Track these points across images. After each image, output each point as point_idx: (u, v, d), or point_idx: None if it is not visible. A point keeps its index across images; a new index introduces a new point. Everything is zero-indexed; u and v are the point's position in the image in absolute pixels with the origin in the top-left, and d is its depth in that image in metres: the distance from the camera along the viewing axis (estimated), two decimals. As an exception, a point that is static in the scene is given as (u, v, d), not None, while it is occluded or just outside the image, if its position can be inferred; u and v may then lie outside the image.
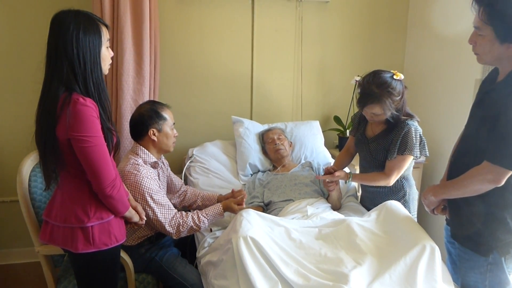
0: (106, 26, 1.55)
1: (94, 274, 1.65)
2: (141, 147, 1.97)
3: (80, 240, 1.53)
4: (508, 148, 1.40)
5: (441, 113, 2.86)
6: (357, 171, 2.47)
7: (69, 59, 1.43)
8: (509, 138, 1.39)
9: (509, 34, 1.38)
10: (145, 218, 1.80)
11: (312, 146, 2.80)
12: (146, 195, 1.86)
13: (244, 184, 2.59)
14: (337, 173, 2.14)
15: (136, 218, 1.72)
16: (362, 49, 3.14)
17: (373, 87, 1.92)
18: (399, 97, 1.95)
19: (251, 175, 2.67)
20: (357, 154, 2.32)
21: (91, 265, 1.62)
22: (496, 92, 1.48)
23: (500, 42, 1.40)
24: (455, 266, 1.77)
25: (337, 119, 3.10)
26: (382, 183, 2.05)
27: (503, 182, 1.44)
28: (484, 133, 1.48)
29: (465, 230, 1.62)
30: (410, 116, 2.04)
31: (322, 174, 2.26)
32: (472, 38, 1.49)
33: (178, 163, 2.86)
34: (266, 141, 2.68)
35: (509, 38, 1.38)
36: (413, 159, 2.04)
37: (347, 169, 2.49)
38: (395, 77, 1.94)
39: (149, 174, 1.92)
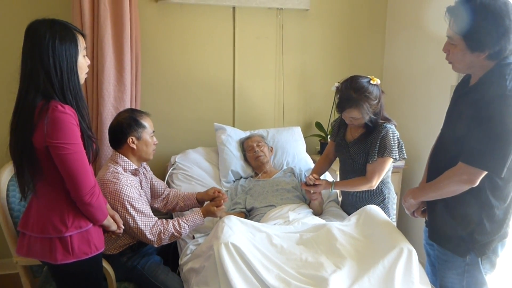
0: (82, 34, 1.55)
1: (76, 284, 1.63)
2: (120, 155, 1.96)
3: (58, 250, 1.51)
4: (481, 149, 1.44)
5: (419, 117, 2.93)
6: (338, 176, 2.50)
7: (45, 68, 1.42)
8: (481, 139, 1.44)
9: (478, 44, 1.44)
10: (123, 227, 1.79)
11: (294, 152, 2.83)
12: (126, 203, 1.85)
13: (227, 191, 2.60)
14: (318, 182, 2.19)
15: (114, 227, 1.71)
16: (342, 56, 3.19)
17: (351, 92, 1.98)
18: (376, 101, 2.01)
19: (234, 181, 2.68)
20: (337, 159, 2.36)
21: (72, 276, 1.60)
22: (468, 96, 1.54)
23: (471, 51, 1.46)
24: (434, 268, 1.80)
25: (318, 125, 3.14)
26: (364, 187, 2.09)
27: (477, 183, 1.48)
28: (458, 135, 1.53)
29: (442, 231, 1.66)
30: (388, 120, 2.10)
31: (304, 180, 2.29)
32: (445, 47, 1.56)
33: (161, 171, 2.85)
34: (246, 149, 2.70)
35: (479, 47, 1.45)
36: (392, 161, 2.09)
37: (329, 177, 2.53)
38: (372, 82, 2.01)
39: (129, 182, 1.91)
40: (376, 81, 2.02)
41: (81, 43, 1.52)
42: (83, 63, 1.54)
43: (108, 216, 1.66)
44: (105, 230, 1.71)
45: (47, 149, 1.43)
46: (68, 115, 1.42)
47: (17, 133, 1.46)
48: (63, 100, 1.46)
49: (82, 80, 1.55)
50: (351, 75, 2.06)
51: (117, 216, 1.76)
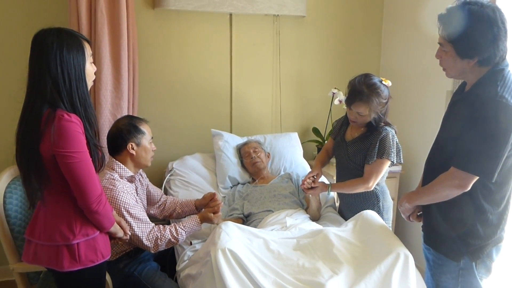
0: (88, 41, 1.56)
1: None
2: (117, 161, 1.97)
3: (65, 258, 1.51)
4: (472, 154, 1.46)
5: (416, 122, 2.95)
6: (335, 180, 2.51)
7: (53, 77, 1.43)
8: (473, 144, 1.45)
9: (467, 51, 1.46)
10: (129, 233, 1.79)
11: (291, 157, 2.84)
12: (122, 209, 1.85)
13: (224, 197, 2.61)
14: (314, 184, 2.20)
15: (120, 233, 1.71)
16: (338, 61, 3.21)
17: (364, 87, 2.02)
18: (385, 101, 2.06)
19: (231, 187, 2.69)
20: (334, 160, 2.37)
21: (77, 283, 1.60)
22: (462, 102, 1.56)
23: (461, 58, 1.48)
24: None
25: (315, 131, 3.15)
26: (361, 188, 2.10)
27: (469, 187, 1.49)
28: (452, 136, 1.55)
29: (437, 235, 1.66)
30: (389, 125, 2.13)
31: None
32: (438, 53, 1.58)
33: (158, 177, 2.86)
34: (243, 155, 2.71)
35: (468, 54, 1.47)
36: (390, 164, 2.11)
37: (326, 181, 2.54)
38: (383, 82, 2.06)
39: (126, 188, 1.92)
40: (388, 82, 2.08)
41: (88, 50, 1.53)
42: (90, 70, 1.55)
43: (115, 223, 1.67)
44: (112, 237, 1.71)
45: (54, 157, 1.44)
46: (74, 124, 1.43)
47: (23, 142, 1.47)
48: (70, 109, 1.47)
49: (89, 87, 1.56)
50: (365, 73, 2.11)
51: (123, 223, 1.76)
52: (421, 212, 1.77)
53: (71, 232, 1.51)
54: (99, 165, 1.59)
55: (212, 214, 2.02)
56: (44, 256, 1.54)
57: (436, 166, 1.64)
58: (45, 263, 1.56)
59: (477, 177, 1.47)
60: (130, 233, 1.85)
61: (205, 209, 2.10)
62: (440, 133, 1.70)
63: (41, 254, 1.54)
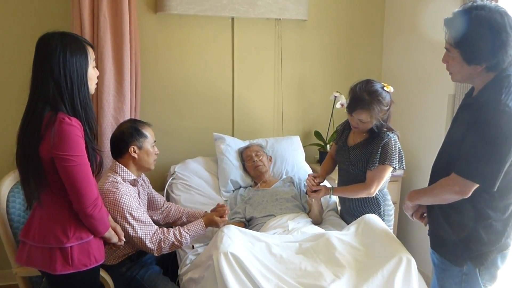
0: (92, 46, 1.58)
1: None
2: (120, 165, 1.97)
3: (58, 261, 1.52)
4: (473, 161, 1.44)
5: (418, 126, 2.94)
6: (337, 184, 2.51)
7: (55, 80, 1.45)
8: (475, 152, 1.43)
9: (474, 57, 1.44)
10: (124, 239, 1.79)
11: (293, 161, 2.84)
12: (125, 212, 1.86)
13: (226, 200, 2.61)
14: (316, 188, 2.21)
15: (115, 239, 1.72)
16: (340, 65, 3.21)
17: (365, 94, 2.01)
18: (387, 107, 2.05)
19: (233, 191, 2.69)
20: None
21: (70, 287, 1.60)
22: (467, 107, 1.55)
23: (468, 63, 1.46)
24: None
25: (317, 134, 3.15)
26: (363, 194, 2.10)
27: (469, 194, 1.47)
28: (454, 139, 1.54)
29: (440, 240, 1.66)
30: (391, 130, 2.12)
31: (304, 190, 2.29)
32: (444, 58, 1.56)
33: (160, 180, 2.86)
34: (245, 158, 2.71)
35: (475, 60, 1.44)
36: (392, 170, 2.10)
37: (327, 184, 2.54)
38: (385, 88, 2.05)
39: (128, 191, 1.92)
40: (390, 88, 2.07)
41: (91, 54, 1.55)
42: (92, 74, 1.57)
43: (110, 229, 1.67)
44: (106, 242, 1.71)
45: (53, 160, 1.45)
46: (75, 127, 1.45)
47: (24, 143, 1.48)
48: (71, 112, 1.48)
49: (92, 91, 1.58)
50: (366, 79, 2.09)
51: (118, 229, 1.76)
52: (425, 214, 1.76)
53: (65, 235, 1.52)
54: (97, 169, 1.61)
55: (218, 218, 2.02)
56: (38, 259, 1.54)
57: (439, 170, 1.64)
58: (38, 266, 1.56)
59: (478, 185, 1.45)
60: (132, 236, 1.86)
61: (211, 212, 2.10)
62: (446, 138, 1.70)
63: (34, 256, 1.55)
